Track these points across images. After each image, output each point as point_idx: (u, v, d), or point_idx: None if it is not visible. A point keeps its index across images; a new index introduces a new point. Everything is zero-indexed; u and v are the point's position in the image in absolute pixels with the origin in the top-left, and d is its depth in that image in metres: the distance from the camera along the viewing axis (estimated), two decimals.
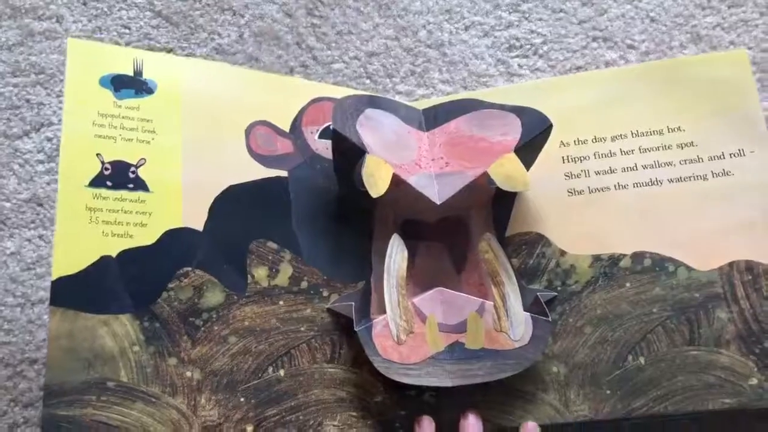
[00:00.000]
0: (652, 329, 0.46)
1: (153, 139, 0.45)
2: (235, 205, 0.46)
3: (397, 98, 0.56)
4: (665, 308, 0.46)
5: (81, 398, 0.40)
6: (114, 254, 0.42)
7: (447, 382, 0.44)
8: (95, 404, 0.40)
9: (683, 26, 0.57)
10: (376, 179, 0.44)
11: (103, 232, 0.42)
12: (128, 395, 0.41)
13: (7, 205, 0.52)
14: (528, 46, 0.57)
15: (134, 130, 0.45)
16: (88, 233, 0.42)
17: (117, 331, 0.41)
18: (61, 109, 0.55)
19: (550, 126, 0.46)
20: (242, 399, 0.43)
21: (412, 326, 0.45)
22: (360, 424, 0.45)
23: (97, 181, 0.43)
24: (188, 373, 0.42)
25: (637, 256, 0.47)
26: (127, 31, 0.58)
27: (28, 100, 0.55)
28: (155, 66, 0.48)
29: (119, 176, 0.44)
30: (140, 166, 0.45)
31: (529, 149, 0.47)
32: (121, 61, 0.47)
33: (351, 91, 0.53)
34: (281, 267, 0.46)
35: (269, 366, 0.44)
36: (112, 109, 0.45)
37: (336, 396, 0.45)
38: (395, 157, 0.46)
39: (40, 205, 0.53)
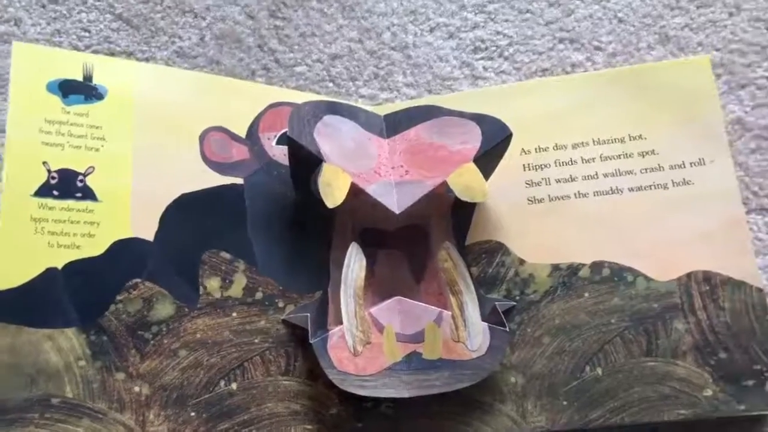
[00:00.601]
0: (610, 340, 0.45)
1: (102, 146, 0.44)
2: (188, 214, 0.45)
3: (360, 102, 0.55)
4: (623, 319, 0.46)
5: (23, 416, 0.39)
6: (60, 266, 0.41)
7: (404, 393, 0.44)
8: (38, 422, 0.39)
9: (651, 27, 0.56)
10: (333, 189, 0.43)
11: (48, 243, 0.41)
12: (73, 412, 0.40)
13: None
14: (493, 48, 0.57)
15: (83, 137, 0.44)
16: (32, 244, 0.41)
17: (62, 346, 0.40)
18: None
19: (510, 135, 0.45)
20: (193, 413, 0.42)
21: (369, 337, 0.45)
22: None
23: (43, 191, 0.42)
24: (136, 388, 0.41)
25: (596, 266, 0.47)
26: (86, 34, 0.57)
27: None
28: (106, 71, 0.47)
29: (66, 185, 0.43)
30: (88, 174, 0.44)
31: (488, 158, 0.46)
32: (70, 65, 0.45)
33: (310, 96, 0.52)
34: (235, 278, 0.46)
35: (221, 379, 0.43)
36: (60, 115, 0.44)
37: (290, 409, 0.44)
38: (354, 165, 0.46)
39: None
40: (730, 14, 0.56)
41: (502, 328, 0.45)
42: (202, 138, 0.47)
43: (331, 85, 0.56)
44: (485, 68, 0.56)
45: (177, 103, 0.47)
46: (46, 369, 0.40)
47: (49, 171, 0.43)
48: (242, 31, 0.57)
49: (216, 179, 0.47)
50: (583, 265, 0.47)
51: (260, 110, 0.49)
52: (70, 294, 0.41)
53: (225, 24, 0.57)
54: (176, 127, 0.47)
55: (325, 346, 0.43)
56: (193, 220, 0.45)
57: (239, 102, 0.49)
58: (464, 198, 0.44)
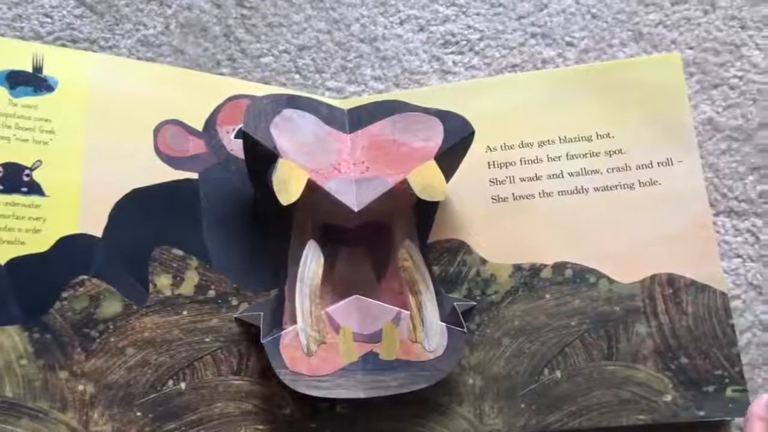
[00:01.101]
0: (570, 342, 0.44)
1: (51, 139, 0.43)
2: (138, 210, 0.44)
3: (327, 95, 0.54)
4: (584, 321, 0.45)
5: None
6: (2, 262, 0.40)
7: (359, 394, 0.43)
8: None
9: (625, 23, 0.55)
10: (287, 186, 0.42)
11: None
12: (12, 411, 0.39)
13: None
14: (464, 42, 0.55)
15: (31, 131, 0.43)
16: None
17: (3, 344, 0.39)
18: None
19: (472, 133, 0.44)
20: (139, 413, 0.42)
21: (324, 336, 0.44)
22: None
23: None
24: (81, 387, 0.40)
25: (559, 267, 0.46)
26: (48, 20, 0.56)
27: None
28: (57, 62, 0.45)
29: (12, 180, 0.42)
30: (35, 168, 0.43)
31: (451, 156, 0.45)
32: (19, 56, 0.44)
33: (272, 90, 0.51)
34: (186, 275, 0.45)
35: (169, 379, 0.43)
36: (7, 107, 0.43)
37: (241, 409, 0.44)
38: (312, 160, 0.45)
39: None
40: (705, 12, 0.55)
41: (459, 329, 0.44)
42: (157, 131, 0.46)
43: (297, 77, 0.55)
44: (455, 63, 0.55)
45: (132, 95, 0.46)
46: None
47: None
48: (208, 20, 0.56)
49: (170, 174, 0.46)
50: (546, 265, 0.46)
51: (219, 103, 0.48)
52: (12, 291, 0.40)
53: (191, 12, 0.56)
54: (130, 120, 0.45)
55: (277, 345, 0.42)
56: (144, 215, 0.44)
57: (197, 94, 0.48)
58: (423, 197, 0.43)
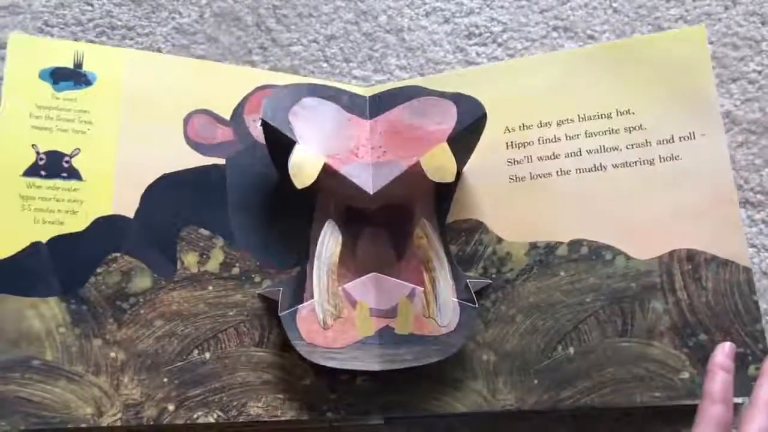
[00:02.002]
0: (584, 319, 0.45)
1: (89, 129, 0.47)
2: (168, 193, 0.47)
3: (353, 83, 0.56)
4: (599, 298, 0.45)
5: (5, 375, 0.42)
6: (44, 240, 0.44)
7: (374, 366, 0.44)
8: (19, 381, 0.42)
9: (646, 17, 0.56)
10: (302, 170, 0.44)
11: (35, 219, 0.44)
12: (51, 374, 0.42)
13: None
14: (487, 34, 0.57)
15: (71, 121, 0.47)
16: (20, 220, 0.44)
17: (44, 313, 0.43)
18: None
19: (485, 115, 0.45)
20: (165, 380, 0.44)
21: (340, 311, 0.46)
22: (286, 406, 0.45)
23: (31, 171, 0.45)
24: (112, 354, 0.43)
25: (574, 244, 0.46)
26: (89, 8, 0.58)
27: None
28: (96, 58, 0.49)
29: (53, 166, 0.45)
30: (74, 155, 0.46)
31: (464, 137, 0.46)
32: (63, 54, 0.48)
33: (298, 80, 0.53)
34: (212, 253, 0.47)
35: (195, 349, 0.45)
36: (50, 101, 0.47)
37: (262, 378, 0.45)
38: (330, 146, 0.46)
39: None
40: (726, 7, 0.56)
41: (471, 305, 0.45)
42: (187, 120, 0.48)
43: (325, 65, 0.57)
44: (478, 54, 0.56)
45: (164, 87, 0.49)
46: (28, 334, 0.42)
47: (37, 153, 0.46)
48: (241, 10, 0.58)
49: (198, 160, 0.48)
50: (561, 243, 0.46)
51: (247, 93, 0.50)
52: (53, 266, 0.43)
53: (224, 2, 0.58)
54: (162, 111, 0.48)
55: (294, 319, 0.44)
56: (174, 198, 0.47)
57: (226, 85, 0.50)
58: (434, 179, 0.44)
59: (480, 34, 0.57)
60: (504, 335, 0.45)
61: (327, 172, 0.45)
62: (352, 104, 0.48)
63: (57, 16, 0.58)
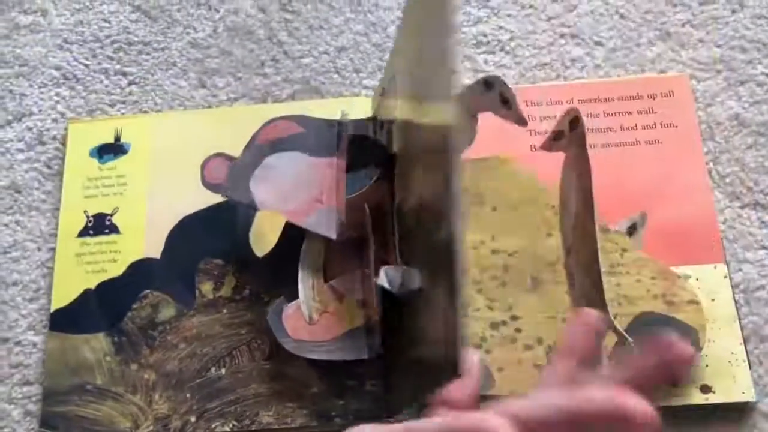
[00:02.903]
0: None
1: (125, 190, 0.55)
2: (187, 232, 0.53)
3: (364, 93, 0.57)
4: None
5: (66, 398, 0.49)
6: (93, 287, 0.52)
7: (362, 355, 0.47)
8: (77, 402, 0.49)
9: (652, 23, 0.57)
10: (261, 239, 0.51)
11: (85, 270, 0.52)
12: (100, 395, 0.49)
13: None
14: (495, 43, 0.58)
15: (111, 186, 0.55)
16: (75, 273, 0.52)
17: (94, 346, 0.51)
18: (42, 100, 0.58)
19: None
20: (188, 395, 0.49)
21: (326, 306, 0.48)
22: (296, 414, 0.47)
23: (83, 232, 0.54)
24: (146, 376, 0.49)
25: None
26: (107, 25, 0.60)
27: (11, 91, 0.58)
28: (131, 130, 0.56)
29: (99, 225, 0.54)
30: (114, 214, 0.54)
31: None
32: (106, 131, 0.56)
33: (304, 106, 0.55)
34: (225, 280, 0.52)
35: (212, 366, 0.49)
36: (97, 173, 0.55)
37: (272, 389, 0.48)
38: (292, 202, 0.49)
39: (18, 192, 0.55)
40: (733, 11, 0.56)
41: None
42: (203, 165, 0.53)
43: (336, 76, 0.58)
44: (486, 62, 0.57)
45: (183, 142, 0.55)
46: (83, 364, 0.50)
47: (87, 217, 0.54)
48: (253, 24, 0.60)
49: (214, 198, 0.53)
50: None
51: (256, 129, 0.53)
52: (99, 307, 0.52)
53: (237, 16, 0.60)
54: (183, 163, 0.54)
55: (280, 318, 0.47)
56: (192, 236, 0.53)
57: (235, 126, 0.54)
58: None
59: (488, 43, 0.58)
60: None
61: (292, 227, 0.48)
62: (318, 143, 0.51)
63: (76, 33, 0.60)
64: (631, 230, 0.49)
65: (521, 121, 0.49)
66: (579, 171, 0.48)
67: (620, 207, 0.50)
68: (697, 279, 0.47)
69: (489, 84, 0.48)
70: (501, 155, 0.51)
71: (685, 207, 0.49)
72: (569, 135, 0.48)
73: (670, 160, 0.51)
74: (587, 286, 0.45)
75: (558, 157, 0.50)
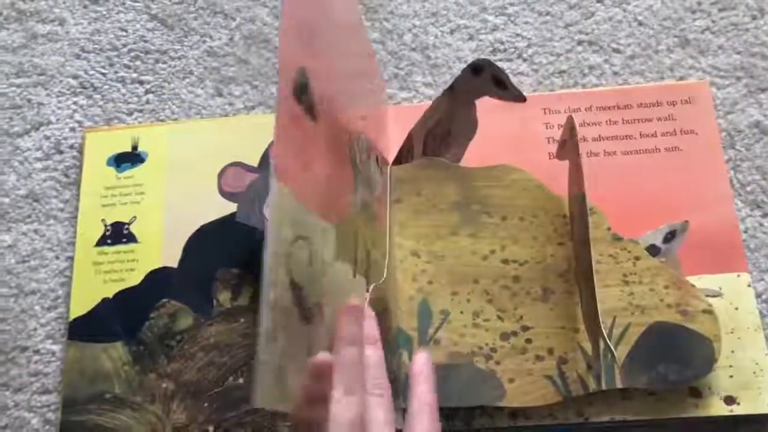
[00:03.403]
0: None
1: (142, 199, 0.55)
2: (204, 241, 0.53)
3: None
4: None
5: (86, 407, 0.50)
6: (111, 296, 0.52)
7: None
8: (96, 411, 0.49)
9: (671, 30, 0.56)
10: None
11: (103, 280, 0.53)
12: (118, 404, 0.50)
13: (6, 200, 0.56)
14: (512, 50, 0.58)
15: (129, 195, 0.55)
16: (94, 282, 0.53)
17: (112, 355, 0.51)
18: (60, 109, 0.58)
19: None
20: (206, 404, 0.49)
21: None
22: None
23: (101, 241, 0.54)
24: (164, 385, 0.50)
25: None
26: (124, 33, 0.60)
27: (29, 100, 0.58)
28: (148, 139, 0.56)
29: (116, 234, 0.54)
30: (131, 223, 0.54)
31: None
32: (123, 140, 0.56)
33: None
34: (243, 289, 0.52)
35: (230, 376, 0.49)
36: (114, 182, 0.55)
37: None
38: None
39: (37, 200, 0.56)
40: (753, 17, 0.56)
41: None
42: (220, 174, 0.54)
43: None
44: (503, 69, 0.57)
45: (200, 150, 0.55)
46: (101, 373, 0.50)
47: (105, 226, 0.54)
48: (270, 32, 0.60)
49: (231, 207, 0.53)
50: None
51: (272, 139, 0.52)
52: (117, 316, 0.52)
53: (254, 25, 0.60)
54: (199, 172, 0.55)
55: None
56: (209, 245, 0.53)
57: (253, 135, 0.54)
58: None
59: (505, 50, 0.58)
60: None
61: None
62: None
63: (93, 42, 0.60)
64: (669, 237, 0.48)
65: (519, 99, 0.49)
66: (573, 179, 0.48)
67: (639, 214, 0.49)
68: (719, 287, 0.47)
69: (478, 68, 0.48)
70: (511, 164, 0.50)
71: (707, 215, 0.49)
72: (568, 143, 0.47)
73: (691, 168, 0.51)
74: (587, 296, 0.44)
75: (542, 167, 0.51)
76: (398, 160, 0.52)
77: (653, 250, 0.48)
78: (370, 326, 0.39)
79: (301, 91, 0.34)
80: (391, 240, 0.49)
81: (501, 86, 0.49)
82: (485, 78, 0.49)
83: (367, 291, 0.43)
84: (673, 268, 0.47)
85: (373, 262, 0.45)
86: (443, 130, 0.51)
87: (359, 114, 0.46)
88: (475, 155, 0.52)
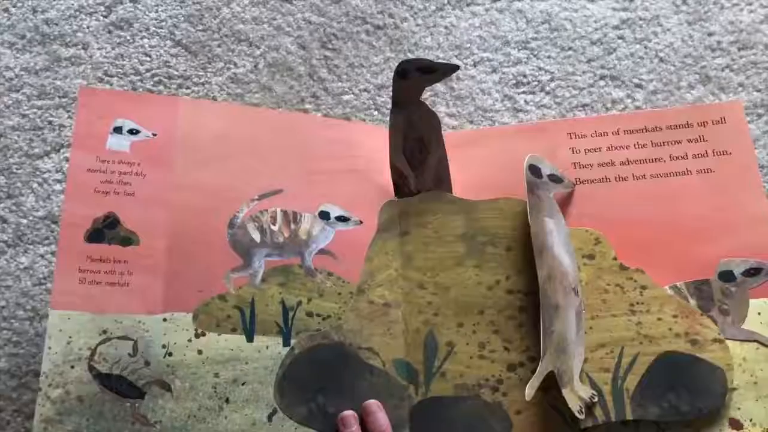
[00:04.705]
0: None
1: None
2: None
3: None
4: None
5: None
6: None
7: None
8: None
9: (692, 67, 0.57)
10: None
11: None
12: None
13: (24, 221, 0.55)
14: (535, 83, 0.58)
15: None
16: None
17: None
18: None
19: None
20: None
21: None
22: None
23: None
24: None
25: None
26: (147, 59, 0.60)
27: (50, 122, 0.58)
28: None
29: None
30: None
31: None
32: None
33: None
34: None
35: None
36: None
37: None
38: None
39: (55, 222, 0.55)
40: None
41: None
42: None
43: (376, 113, 0.58)
44: (527, 102, 0.58)
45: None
46: None
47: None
48: (294, 60, 0.60)
49: None
50: None
51: None
52: None
53: (278, 53, 0.60)
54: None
55: None
56: None
57: None
58: None
59: (528, 83, 0.58)
60: None
61: None
62: None
63: (116, 66, 0.60)
64: (753, 272, 0.47)
65: (452, 69, 0.49)
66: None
67: (671, 238, 0.49)
68: (758, 313, 0.47)
69: (403, 72, 0.49)
70: (515, 196, 0.50)
71: (745, 236, 0.48)
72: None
73: (726, 189, 0.50)
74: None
75: (569, 197, 0.51)
76: (398, 192, 0.52)
77: (728, 276, 0.47)
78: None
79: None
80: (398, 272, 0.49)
81: (431, 71, 0.49)
82: (413, 74, 0.49)
83: None
84: (740, 303, 0.47)
85: None
86: (415, 140, 0.51)
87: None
88: (500, 182, 0.51)
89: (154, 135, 0.51)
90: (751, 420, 0.44)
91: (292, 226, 0.51)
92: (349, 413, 0.45)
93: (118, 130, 0.51)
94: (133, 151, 0.51)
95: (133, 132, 0.51)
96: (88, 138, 0.50)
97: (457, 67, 0.49)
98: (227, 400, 0.46)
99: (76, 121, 0.51)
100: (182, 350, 0.47)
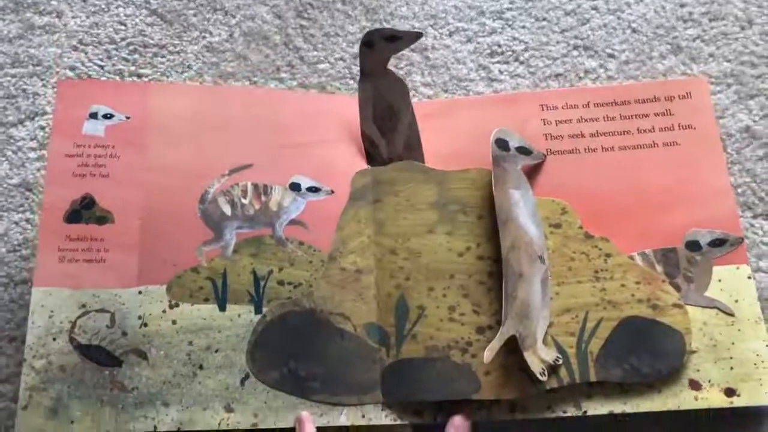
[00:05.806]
0: None
1: None
2: None
3: None
4: None
5: None
6: None
7: None
8: None
9: (664, 37, 0.58)
10: None
11: None
12: None
13: None
14: (509, 53, 0.59)
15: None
16: None
17: None
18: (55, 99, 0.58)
19: None
20: None
21: None
22: None
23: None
24: None
25: None
26: (122, 27, 0.60)
27: (24, 90, 0.58)
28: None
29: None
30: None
31: None
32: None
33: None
34: None
35: None
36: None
37: None
38: None
39: (29, 190, 0.55)
40: (742, 28, 0.57)
41: None
42: None
43: (351, 82, 0.58)
44: (501, 71, 0.58)
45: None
46: None
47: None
48: (269, 30, 0.60)
49: None
50: None
51: None
52: None
53: (253, 22, 0.60)
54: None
55: None
56: None
57: None
58: None
59: (502, 53, 0.59)
60: None
61: None
62: None
63: (91, 35, 0.60)
64: (717, 243, 0.48)
65: (416, 37, 0.52)
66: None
67: (637, 209, 0.50)
68: (719, 280, 0.48)
69: (369, 42, 0.52)
70: (487, 166, 0.50)
71: (707, 208, 0.50)
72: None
73: (690, 162, 0.51)
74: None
75: (539, 167, 0.52)
76: (370, 161, 0.53)
77: (694, 246, 0.48)
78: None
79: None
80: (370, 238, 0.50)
81: (396, 39, 0.52)
82: (379, 44, 0.52)
83: None
84: (704, 272, 0.48)
85: None
86: (384, 108, 0.53)
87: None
88: (472, 152, 0.52)
89: (128, 118, 0.53)
90: (709, 381, 0.45)
91: (263, 198, 0.51)
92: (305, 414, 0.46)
93: (93, 115, 0.52)
94: (107, 134, 0.52)
95: (107, 116, 0.53)
96: (66, 125, 0.52)
97: (420, 35, 0.51)
98: (201, 367, 0.47)
99: (55, 111, 0.52)
100: (157, 321, 0.48)
